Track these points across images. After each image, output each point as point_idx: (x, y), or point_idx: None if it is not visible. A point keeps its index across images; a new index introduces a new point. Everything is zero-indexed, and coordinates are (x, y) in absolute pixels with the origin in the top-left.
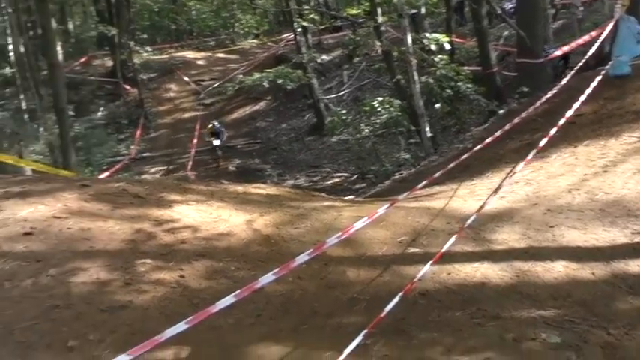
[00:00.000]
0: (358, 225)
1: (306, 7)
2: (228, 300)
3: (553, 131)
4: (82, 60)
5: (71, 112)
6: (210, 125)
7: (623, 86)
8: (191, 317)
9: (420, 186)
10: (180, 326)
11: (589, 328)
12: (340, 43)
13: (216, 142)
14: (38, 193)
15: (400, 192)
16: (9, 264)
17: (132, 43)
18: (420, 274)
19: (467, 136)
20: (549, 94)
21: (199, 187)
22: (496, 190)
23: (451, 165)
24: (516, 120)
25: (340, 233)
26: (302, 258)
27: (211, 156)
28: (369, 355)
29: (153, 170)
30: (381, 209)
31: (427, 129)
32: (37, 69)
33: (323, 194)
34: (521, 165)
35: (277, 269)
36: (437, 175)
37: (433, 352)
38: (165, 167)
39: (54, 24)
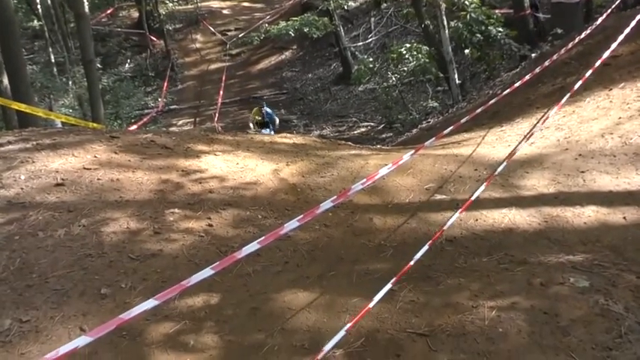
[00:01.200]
0: (382, 171)
1: None
2: (253, 246)
3: (588, 73)
4: (108, 11)
5: (99, 65)
6: (257, 109)
7: None
8: (217, 263)
9: (445, 132)
10: (207, 272)
11: (619, 272)
12: None
13: (265, 132)
14: (68, 145)
15: (427, 140)
16: (42, 214)
17: None
18: (448, 223)
19: (497, 81)
20: (584, 35)
21: (226, 138)
22: (526, 136)
23: (478, 110)
24: (547, 63)
25: (364, 180)
26: (326, 205)
27: None
28: (396, 300)
29: (180, 122)
30: (406, 155)
31: (455, 76)
32: (64, 21)
33: (349, 143)
34: (554, 109)
35: (301, 216)
36: (463, 120)
37: (460, 297)
38: (193, 119)
39: None
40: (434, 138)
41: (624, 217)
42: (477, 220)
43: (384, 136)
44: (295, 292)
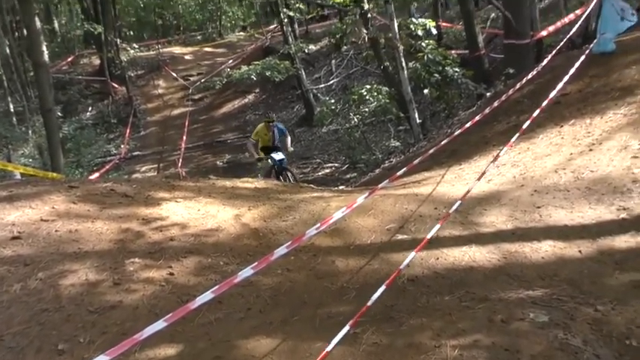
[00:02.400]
0: (337, 215)
1: None
2: (206, 296)
3: (536, 113)
4: (69, 59)
5: (59, 113)
6: (262, 126)
7: (608, 63)
8: (169, 315)
9: (399, 173)
10: (160, 324)
11: (576, 305)
12: (327, 32)
13: (279, 157)
14: (25, 197)
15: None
16: None
17: (118, 41)
18: (404, 263)
19: (454, 120)
20: (534, 75)
21: (187, 184)
22: (481, 175)
23: (431, 150)
24: (496, 103)
25: (319, 225)
26: (281, 251)
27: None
28: (359, 343)
29: (144, 169)
30: (360, 198)
31: (416, 115)
32: (23, 70)
33: (311, 185)
34: (504, 149)
35: (256, 263)
36: (416, 162)
37: (422, 336)
38: (156, 165)
39: (38, 23)
40: (387, 180)
41: (580, 251)
42: (438, 258)
43: (348, 176)
44: (258, 339)
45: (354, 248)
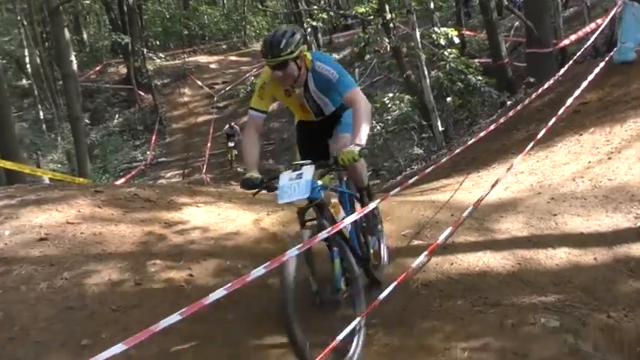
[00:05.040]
0: (347, 221)
1: (316, 7)
2: (219, 293)
3: (552, 121)
4: (97, 68)
5: (87, 121)
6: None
7: (629, 72)
8: (184, 309)
9: (411, 181)
10: (174, 317)
11: (589, 312)
12: (350, 41)
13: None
14: (52, 201)
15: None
16: (25, 269)
17: (145, 50)
18: (415, 264)
19: (476, 128)
20: (555, 83)
21: (208, 190)
22: (496, 182)
23: (444, 159)
24: (511, 113)
25: (330, 229)
26: (292, 252)
27: None
28: (371, 344)
29: (169, 174)
30: (372, 204)
31: (438, 123)
32: (53, 79)
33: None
34: (518, 158)
35: (268, 263)
36: (428, 170)
37: (433, 339)
38: (181, 171)
39: (67, 34)
40: (398, 188)
41: (595, 258)
42: (452, 263)
43: (370, 183)
44: (274, 340)
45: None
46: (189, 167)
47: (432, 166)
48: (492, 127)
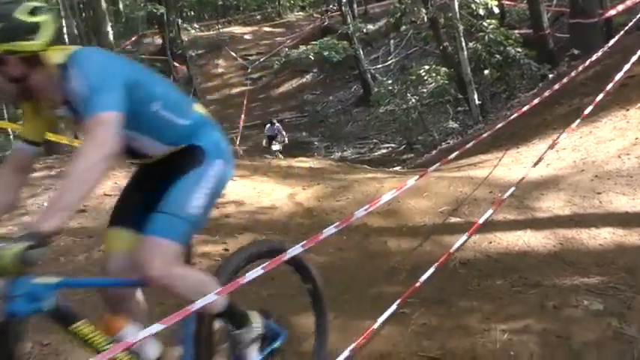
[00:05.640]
0: (386, 197)
1: None
2: (257, 272)
3: (600, 96)
4: (133, 39)
5: None
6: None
7: None
8: (220, 289)
9: (451, 156)
10: (211, 297)
11: (634, 294)
12: (386, 12)
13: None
14: None
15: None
16: (63, 240)
17: (180, 21)
18: (456, 246)
19: (515, 102)
20: (601, 56)
21: (243, 162)
22: (538, 160)
23: (485, 134)
24: (556, 86)
25: (368, 205)
26: (329, 230)
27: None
28: (408, 323)
29: None
30: (410, 180)
31: (475, 96)
32: None
33: (365, 166)
34: (564, 134)
35: (305, 242)
36: (469, 145)
37: (472, 319)
38: None
39: (104, 5)
40: (438, 163)
41: None
42: (491, 242)
43: (404, 157)
44: (309, 316)
45: (406, 230)
46: None
47: (473, 142)
48: (536, 101)
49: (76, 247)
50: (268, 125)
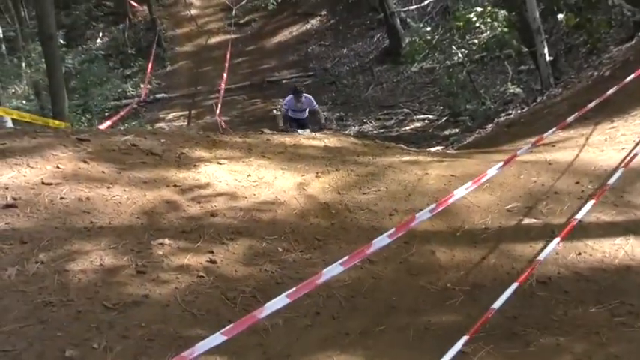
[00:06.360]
0: (460, 192)
1: None
2: (281, 300)
3: None
4: None
5: (61, 41)
6: (292, 96)
7: None
8: (230, 326)
9: (548, 133)
10: (218, 338)
11: None
12: None
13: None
14: (21, 152)
15: (509, 141)
16: None
17: None
18: (541, 257)
19: (604, 58)
20: None
21: (233, 140)
22: None
23: (591, 104)
24: None
25: (434, 205)
26: (381, 241)
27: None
28: None
29: (170, 116)
30: (492, 170)
31: (545, 50)
32: None
33: (401, 145)
34: None
35: (346, 258)
36: (571, 119)
37: None
38: (187, 112)
39: None
40: (531, 144)
41: None
42: (580, 253)
43: (447, 132)
44: (330, 355)
45: (461, 234)
46: (197, 107)
47: (576, 114)
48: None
49: (5, 257)
50: (289, 97)
